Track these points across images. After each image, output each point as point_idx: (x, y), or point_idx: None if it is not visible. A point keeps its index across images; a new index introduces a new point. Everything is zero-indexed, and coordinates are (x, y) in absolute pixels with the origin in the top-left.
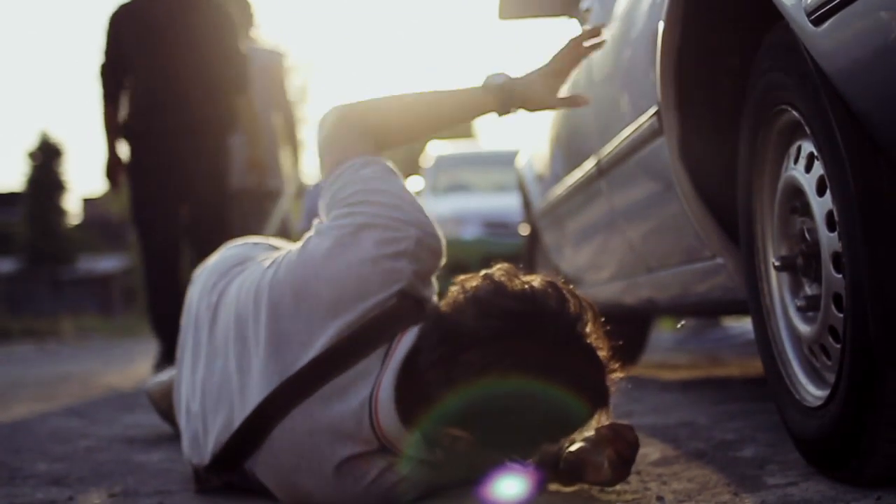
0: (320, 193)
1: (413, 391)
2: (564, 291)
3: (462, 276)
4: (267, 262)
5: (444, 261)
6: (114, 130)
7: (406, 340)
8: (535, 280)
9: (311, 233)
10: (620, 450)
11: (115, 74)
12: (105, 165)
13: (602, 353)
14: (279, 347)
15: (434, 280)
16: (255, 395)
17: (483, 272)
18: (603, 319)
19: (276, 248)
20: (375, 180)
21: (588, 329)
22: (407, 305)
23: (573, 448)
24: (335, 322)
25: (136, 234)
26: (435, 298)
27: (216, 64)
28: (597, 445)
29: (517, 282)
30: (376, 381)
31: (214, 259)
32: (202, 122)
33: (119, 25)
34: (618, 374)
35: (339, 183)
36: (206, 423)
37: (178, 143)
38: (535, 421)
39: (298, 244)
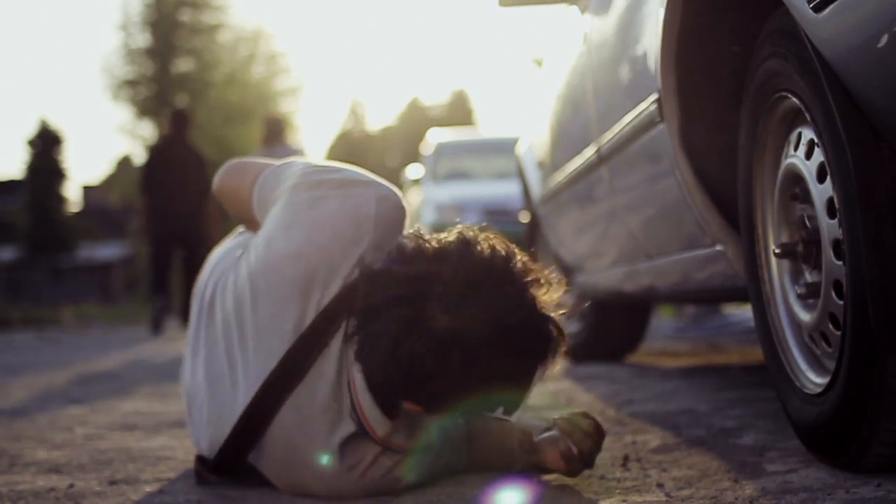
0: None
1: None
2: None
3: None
4: (241, 252)
5: (407, 223)
6: (148, 212)
7: None
8: (457, 232)
9: (264, 226)
10: (576, 441)
11: (147, 184)
12: (142, 227)
13: (543, 296)
14: (262, 339)
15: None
16: (245, 393)
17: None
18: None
19: None
20: (308, 165)
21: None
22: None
23: (543, 436)
24: (308, 301)
25: (151, 257)
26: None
27: (195, 184)
28: (556, 435)
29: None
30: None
31: (227, 242)
32: (188, 210)
33: (150, 157)
34: (559, 308)
35: (269, 184)
36: (207, 413)
37: (178, 220)
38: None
39: (261, 231)
